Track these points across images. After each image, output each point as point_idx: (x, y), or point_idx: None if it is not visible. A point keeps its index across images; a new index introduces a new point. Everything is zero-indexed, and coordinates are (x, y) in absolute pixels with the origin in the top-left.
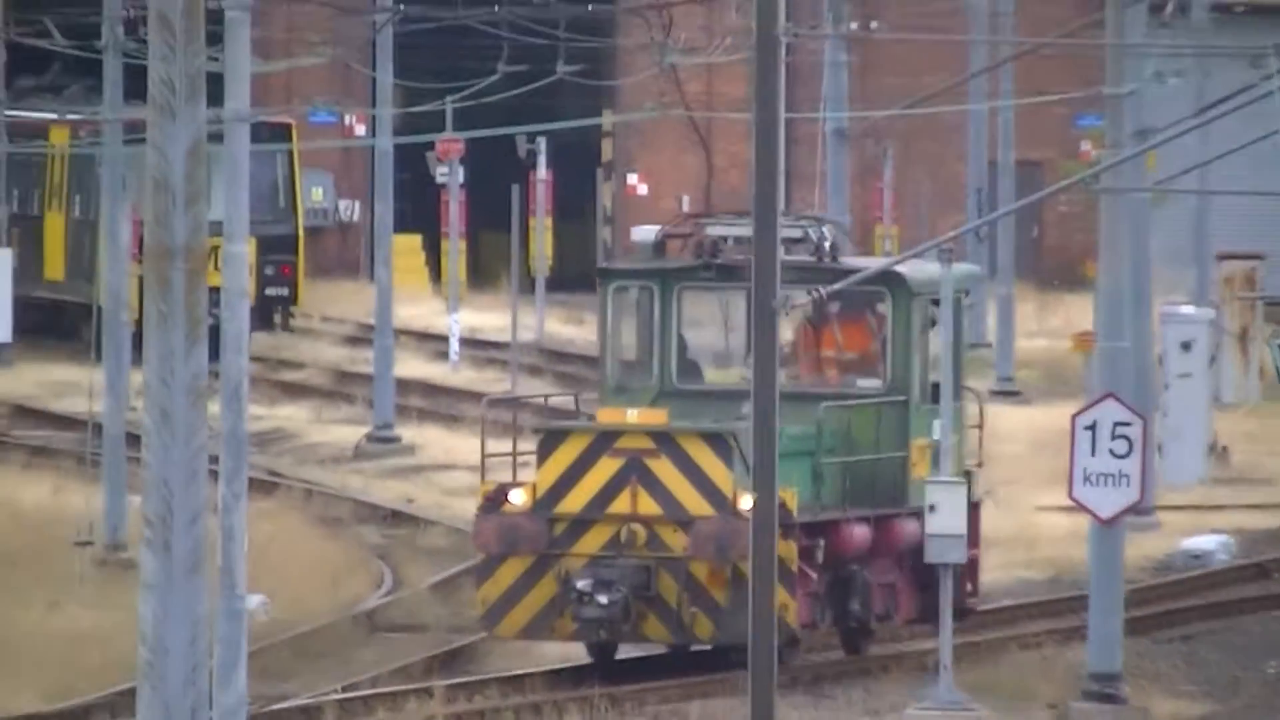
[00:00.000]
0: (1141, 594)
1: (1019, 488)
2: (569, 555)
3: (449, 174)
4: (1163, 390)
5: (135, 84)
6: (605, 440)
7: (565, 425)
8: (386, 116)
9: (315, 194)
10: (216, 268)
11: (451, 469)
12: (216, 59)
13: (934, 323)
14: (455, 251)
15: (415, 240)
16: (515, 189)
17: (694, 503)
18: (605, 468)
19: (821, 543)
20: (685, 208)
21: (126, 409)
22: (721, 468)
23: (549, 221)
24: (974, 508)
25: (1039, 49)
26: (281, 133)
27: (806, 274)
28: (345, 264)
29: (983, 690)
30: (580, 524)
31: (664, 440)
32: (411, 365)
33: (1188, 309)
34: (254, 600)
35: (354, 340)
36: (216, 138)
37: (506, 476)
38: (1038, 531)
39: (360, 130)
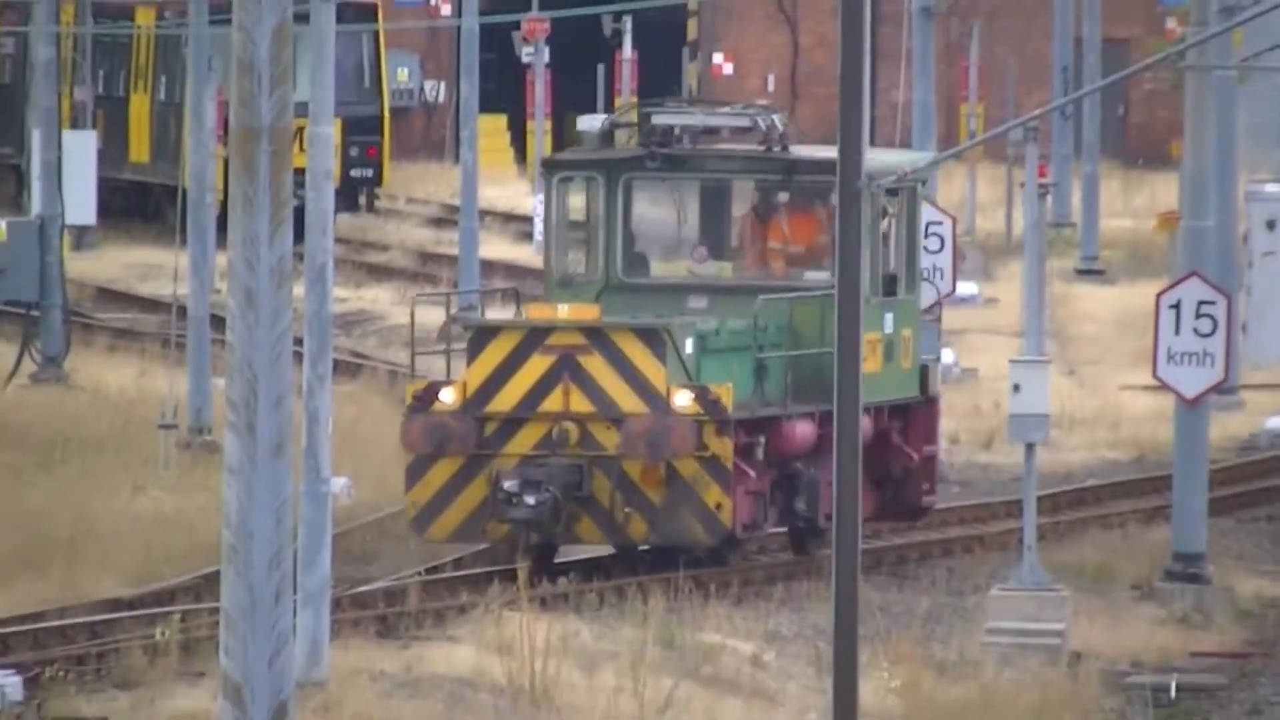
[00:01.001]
0: (1225, 473)
1: (1103, 367)
2: (500, 455)
3: (534, 54)
4: (1246, 268)
5: None
6: (536, 337)
7: (495, 322)
8: None
9: (400, 75)
10: (302, 149)
11: None
12: None
13: (886, 213)
14: (540, 132)
15: (500, 121)
16: (600, 69)
17: (627, 400)
18: (536, 365)
19: (762, 440)
20: (770, 87)
21: (211, 292)
22: (655, 364)
23: (634, 100)
24: (931, 403)
25: None
26: (367, 13)
27: (754, 163)
28: (430, 145)
29: (1066, 570)
30: (511, 423)
31: (596, 336)
32: (496, 247)
33: (1273, 187)
34: (338, 483)
35: (439, 222)
36: (302, 18)
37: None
38: (1121, 411)
39: (445, 10)
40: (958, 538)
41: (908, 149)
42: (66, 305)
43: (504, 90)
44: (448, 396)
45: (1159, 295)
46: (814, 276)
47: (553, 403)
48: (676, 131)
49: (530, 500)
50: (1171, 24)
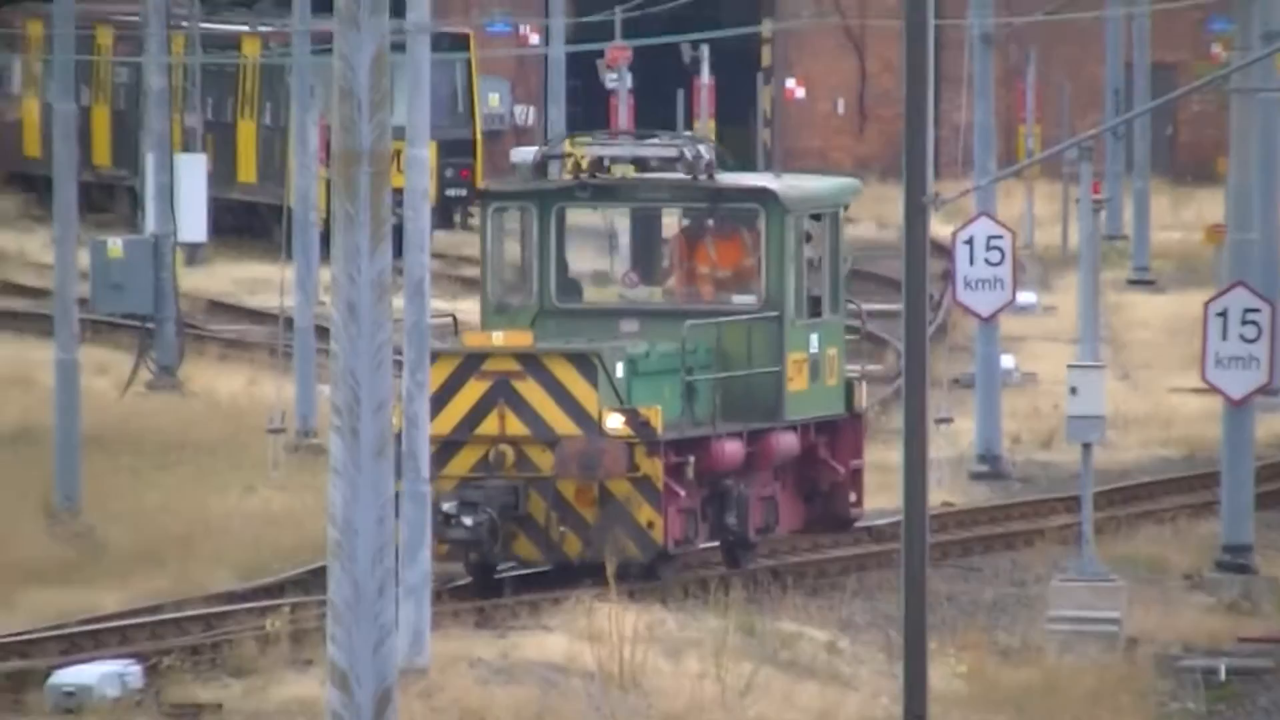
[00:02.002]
0: (1271, 470)
1: (1154, 371)
2: (440, 478)
3: (618, 80)
4: None
5: None
6: (472, 362)
7: (432, 348)
8: (559, 26)
9: (492, 100)
10: (399, 170)
11: None
12: None
13: (809, 238)
14: None
15: None
16: (680, 94)
17: (561, 423)
18: (473, 390)
19: (691, 459)
20: (840, 110)
21: (315, 304)
22: (587, 387)
23: (712, 124)
24: (857, 418)
25: None
26: (460, 42)
27: (681, 191)
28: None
29: (1122, 562)
30: (449, 446)
31: (530, 362)
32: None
33: None
34: None
35: None
36: (399, 48)
37: None
38: (1172, 412)
39: (534, 39)
40: (1020, 531)
41: (827, 176)
42: (180, 317)
43: (589, 114)
44: None
45: (1207, 303)
46: (740, 300)
47: (489, 426)
48: (606, 162)
49: (468, 521)
50: (1217, 49)
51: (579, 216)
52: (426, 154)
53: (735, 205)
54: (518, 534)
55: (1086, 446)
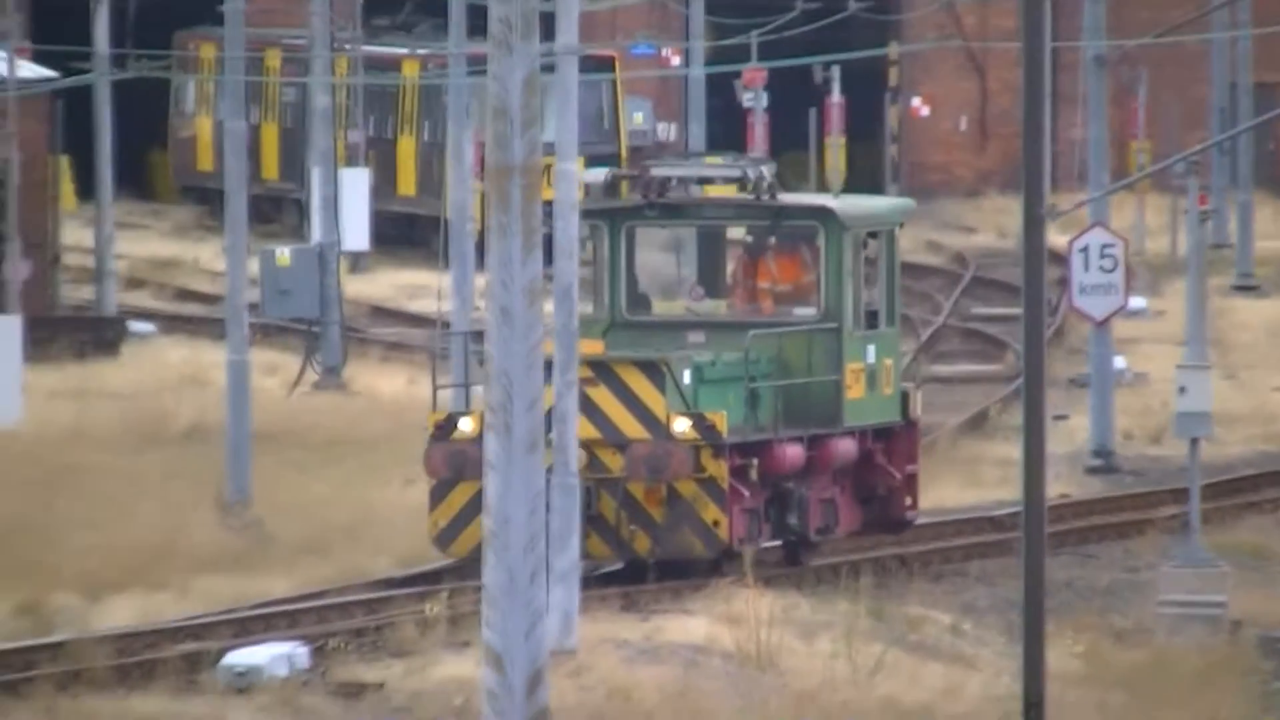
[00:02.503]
0: None
1: (1258, 371)
2: None
3: (754, 99)
4: None
5: (477, 22)
6: (547, 371)
7: None
8: (698, 49)
9: (636, 118)
10: (549, 183)
11: None
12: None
13: (867, 254)
14: None
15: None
16: (812, 112)
17: (630, 427)
18: (548, 396)
19: (755, 462)
20: (963, 127)
21: (471, 309)
22: (655, 393)
23: (842, 140)
24: (912, 426)
25: None
26: (606, 64)
27: (744, 210)
28: None
29: (1227, 549)
30: None
31: (601, 369)
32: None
33: None
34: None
35: None
36: (549, 69)
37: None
38: (1274, 409)
39: (675, 61)
40: (1131, 521)
41: (883, 196)
42: (344, 321)
43: (727, 131)
44: (466, 425)
45: None
46: (800, 312)
47: None
48: (674, 182)
49: None
50: None
51: (648, 235)
52: (575, 168)
53: (796, 223)
54: (590, 532)
55: (1194, 441)
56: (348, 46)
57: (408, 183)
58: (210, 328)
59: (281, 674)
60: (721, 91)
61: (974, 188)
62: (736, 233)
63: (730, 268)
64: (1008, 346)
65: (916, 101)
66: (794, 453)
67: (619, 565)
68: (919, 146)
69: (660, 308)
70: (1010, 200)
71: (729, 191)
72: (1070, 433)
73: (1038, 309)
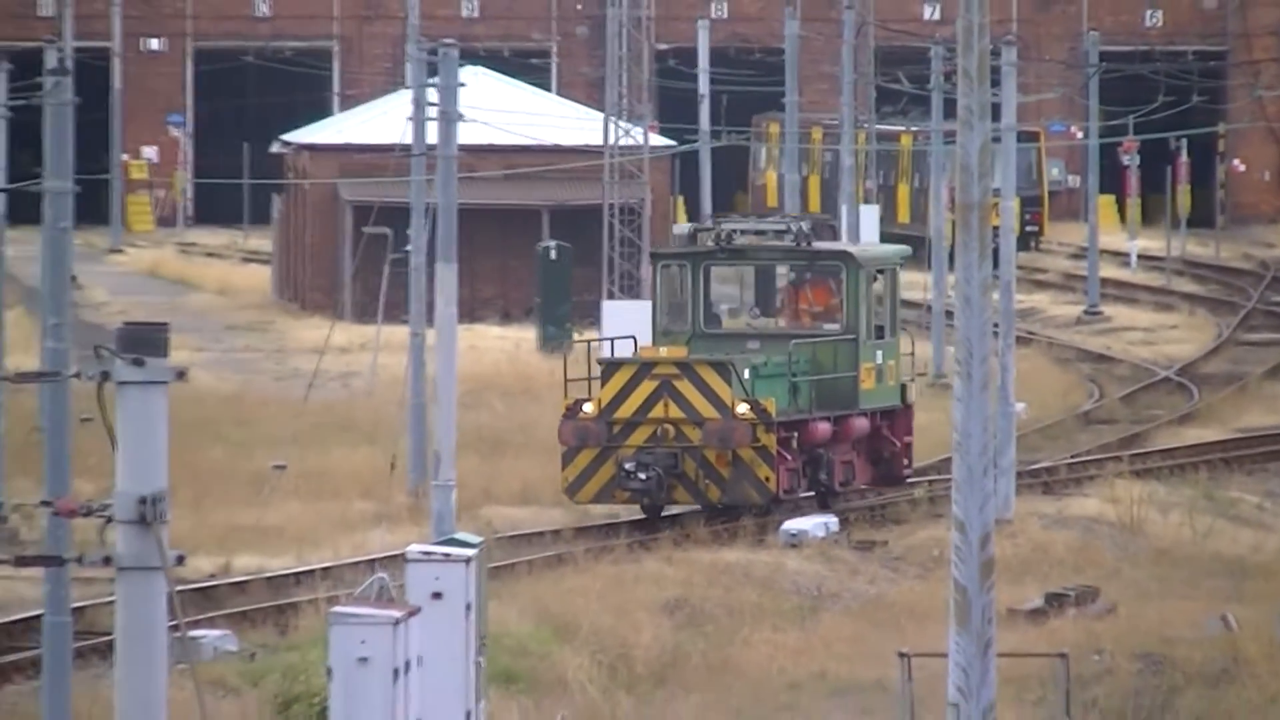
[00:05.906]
0: None
1: None
2: (623, 447)
3: (1129, 160)
4: None
5: (949, 109)
6: (646, 368)
7: (618, 358)
8: (1094, 127)
9: (1053, 172)
10: (997, 215)
11: (1131, 330)
12: (996, 94)
13: (876, 286)
14: (1134, 205)
15: (1109, 198)
16: (1168, 168)
17: (706, 409)
18: (646, 387)
19: (795, 435)
20: (1266, 178)
21: (943, 298)
22: (724, 385)
23: (1187, 187)
24: (908, 409)
25: None
26: (1033, 136)
27: (788, 254)
28: (1069, 213)
29: None
30: (630, 425)
31: (685, 367)
32: (1108, 269)
33: None
34: (1019, 406)
35: (1075, 256)
36: (996, 140)
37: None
38: None
39: (1078, 135)
40: None
41: (893, 244)
42: None
43: (1111, 179)
44: (588, 407)
45: None
46: (829, 327)
47: (657, 411)
48: (739, 233)
49: (643, 476)
50: None
51: (719, 271)
52: (1013, 205)
53: (826, 263)
54: (676, 485)
55: None
56: (864, 124)
57: (904, 214)
58: None
59: (820, 536)
60: (1110, 153)
61: (1274, 217)
62: (783, 270)
63: (778, 295)
64: None
65: (1236, 161)
66: (824, 428)
67: (1037, 464)
68: (1238, 191)
69: (728, 324)
70: None
71: (778, 241)
72: None
73: None
